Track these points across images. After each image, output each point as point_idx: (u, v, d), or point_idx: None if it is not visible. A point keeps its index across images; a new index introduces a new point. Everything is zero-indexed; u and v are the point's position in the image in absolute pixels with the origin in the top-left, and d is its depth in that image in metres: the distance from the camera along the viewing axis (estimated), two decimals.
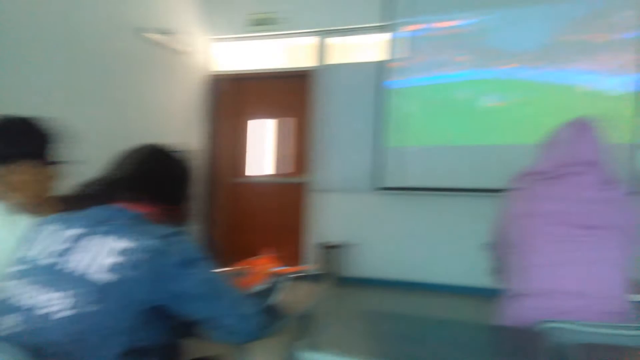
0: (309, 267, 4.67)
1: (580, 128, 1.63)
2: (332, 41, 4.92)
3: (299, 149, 5.03)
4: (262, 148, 5.23)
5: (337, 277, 4.64)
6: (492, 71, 4.27)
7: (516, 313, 1.46)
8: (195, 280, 1.02)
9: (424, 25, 4.45)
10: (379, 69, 4.60)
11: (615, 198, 1.48)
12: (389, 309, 3.88)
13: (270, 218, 5.14)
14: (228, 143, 5.30)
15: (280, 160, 5.14)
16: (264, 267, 1.56)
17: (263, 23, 5.03)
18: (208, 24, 5.21)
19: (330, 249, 4.65)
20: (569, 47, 4.07)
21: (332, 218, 4.85)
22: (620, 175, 1.69)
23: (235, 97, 5.30)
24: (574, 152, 1.57)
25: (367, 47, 4.81)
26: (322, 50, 4.91)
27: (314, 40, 4.95)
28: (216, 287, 1.05)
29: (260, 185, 5.22)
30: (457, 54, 4.35)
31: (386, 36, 4.55)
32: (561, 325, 1.25)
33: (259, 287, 1.32)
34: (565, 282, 1.41)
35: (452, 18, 4.38)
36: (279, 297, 1.26)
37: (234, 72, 5.29)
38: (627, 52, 3.92)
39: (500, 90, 4.26)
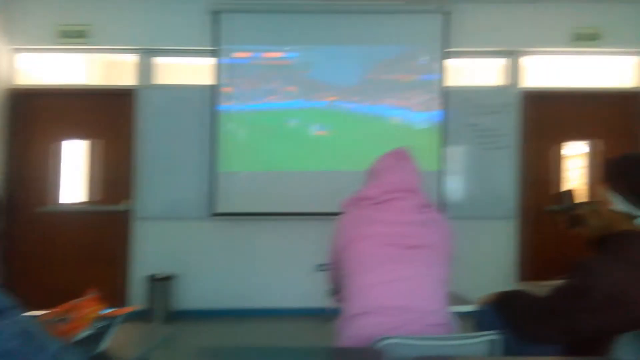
0: (137, 305, 4.29)
1: (400, 157, 1.81)
2: (159, 60, 4.71)
3: (119, 174, 4.63)
4: (77, 172, 4.68)
5: (168, 312, 4.35)
6: (316, 102, 4.55)
7: (354, 332, 1.53)
8: (5, 333, 0.84)
9: (251, 54, 4.55)
10: (210, 92, 4.53)
11: (433, 220, 1.67)
12: (227, 342, 3.76)
13: (88, 251, 4.59)
14: (35, 167, 4.62)
15: (98, 186, 4.66)
16: (87, 311, 1.37)
17: (74, 35, 4.57)
18: (8, 32, 4.54)
19: (159, 282, 4.35)
20: (382, 84, 4.56)
21: (160, 248, 4.55)
22: (432, 199, 1.93)
23: (45, 115, 4.67)
24: (396, 180, 1.73)
25: (198, 70, 4.71)
26: (145, 69, 4.65)
27: (135, 57, 4.66)
28: (32, 339, 0.88)
29: (76, 214, 4.64)
30: (283, 84, 4.54)
31: (215, 60, 4.53)
32: (395, 340, 1.35)
33: (83, 334, 1.15)
34: (395, 298, 1.53)
35: (278, 49, 4.56)
36: (107, 344, 1.12)
37: (43, 87, 4.68)
38: (430, 92, 4.56)
39: (324, 120, 4.55)
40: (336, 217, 1.88)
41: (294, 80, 4.55)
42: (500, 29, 4.66)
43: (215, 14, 4.52)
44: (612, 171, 1.59)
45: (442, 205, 4.45)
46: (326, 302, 1.97)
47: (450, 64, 4.64)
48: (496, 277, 4.48)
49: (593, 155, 4.74)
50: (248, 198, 4.50)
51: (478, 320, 1.87)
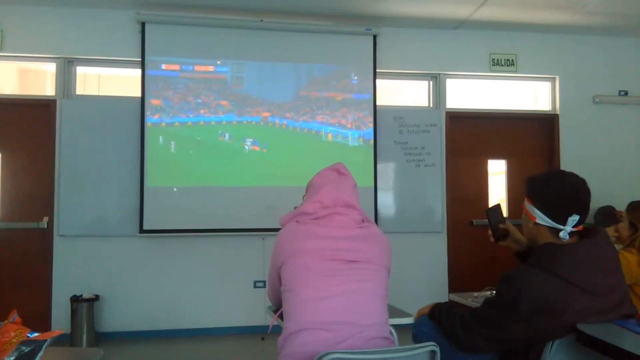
0: (61, 329, 3.98)
1: (339, 173, 1.84)
2: (82, 70, 4.49)
3: (38, 189, 4.32)
4: None
5: (94, 334, 4.08)
6: (249, 117, 4.52)
7: (295, 349, 1.51)
8: None
9: (181, 67, 4.44)
10: (138, 105, 4.37)
11: (372, 234, 1.71)
12: None
13: (6, 272, 4.22)
14: None
15: (15, 202, 4.32)
16: (8, 336, 1.26)
17: None
18: None
19: (83, 303, 4.07)
20: (316, 101, 4.63)
21: (84, 267, 4.27)
22: (368, 214, 1.97)
23: None
24: (336, 195, 1.75)
25: (126, 81, 4.53)
26: (67, 78, 4.40)
27: (55, 66, 4.40)
28: None
29: None
30: (215, 98, 4.47)
31: (146, 72, 4.38)
32: (336, 355, 1.35)
33: None
34: (339, 313, 1.53)
35: (209, 63, 4.49)
36: None
37: None
38: (362, 110, 4.69)
39: (257, 135, 4.53)
40: (273, 232, 1.86)
41: (226, 94, 4.50)
42: (425, 52, 4.91)
43: (144, 24, 4.38)
44: (531, 187, 1.70)
45: (375, 220, 4.57)
46: (265, 320, 1.94)
47: (381, 84, 4.81)
48: (430, 289, 4.66)
49: (514, 173, 5.08)
50: (179, 214, 4.35)
51: (416, 332, 1.93)
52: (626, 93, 5.19)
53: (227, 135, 4.49)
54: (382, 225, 4.62)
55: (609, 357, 1.37)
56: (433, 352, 1.40)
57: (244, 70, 4.55)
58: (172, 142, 4.39)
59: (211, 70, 4.50)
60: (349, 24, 4.65)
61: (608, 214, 4.35)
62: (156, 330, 4.34)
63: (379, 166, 4.68)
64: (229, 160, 4.48)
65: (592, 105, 5.15)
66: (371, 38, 4.69)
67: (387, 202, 4.77)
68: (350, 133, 4.67)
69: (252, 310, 4.33)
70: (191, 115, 4.43)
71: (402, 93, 5.08)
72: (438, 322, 1.76)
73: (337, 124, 4.65)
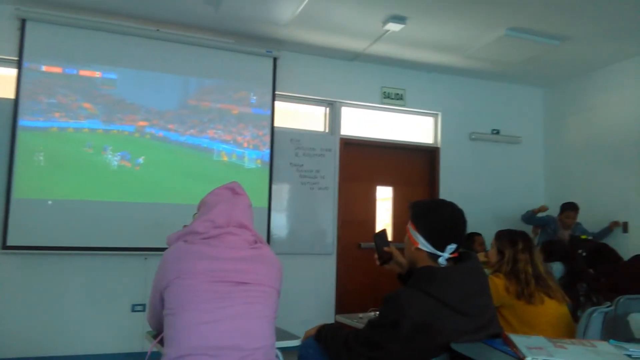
0: None
1: (234, 192, 1.80)
2: None
3: None
4: None
5: None
6: (130, 127, 4.22)
7: None
8: None
9: (61, 69, 4.09)
10: (9, 107, 3.94)
11: (264, 256, 1.69)
12: None
13: None
14: None
15: None
16: None
17: None
18: None
19: None
20: (207, 112, 4.48)
21: None
22: (261, 235, 1.96)
23: None
24: (228, 214, 1.71)
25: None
26: None
27: None
28: None
29: None
30: (94, 104, 4.13)
31: (22, 72, 3.98)
32: None
33: None
34: (225, 337, 1.48)
35: (90, 68, 4.17)
36: None
37: None
38: (259, 130, 4.67)
39: (139, 148, 4.24)
40: (158, 252, 1.76)
41: (105, 101, 4.17)
42: (323, 79, 5.07)
43: (24, 21, 4.00)
44: (415, 214, 1.80)
45: (268, 241, 4.55)
46: (143, 346, 1.81)
47: (279, 105, 4.86)
48: (318, 310, 4.71)
49: (399, 200, 5.38)
50: (53, 230, 3.95)
51: (302, 354, 1.93)
52: (498, 132, 5.79)
53: (104, 145, 4.12)
54: (275, 246, 4.61)
55: None
56: None
57: (129, 78, 4.25)
58: (44, 150, 3.98)
59: (93, 76, 4.16)
60: (250, 44, 4.65)
61: (468, 240, 4.78)
62: (24, 357, 3.85)
63: (274, 187, 4.68)
64: (106, 173, 4.14)
65: (469, 141, 5.66)
66: (271, 60, 4.74)
67: (280, 223, 4.78)
68: (247, 153, 4.61)
69: (129, 335, 4.04)
70: (70, 121, 4.07)
71: (299, 117, 5.16)
72: (324, 344, 1.77)
73: (232, 142, 4.55)
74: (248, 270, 1.61)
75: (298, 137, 4.91)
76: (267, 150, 4.66)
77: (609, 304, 2.78)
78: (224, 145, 4.52)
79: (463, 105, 5.64)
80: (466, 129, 5.66)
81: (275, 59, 4.75)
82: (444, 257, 1.68)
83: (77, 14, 4.12)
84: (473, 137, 5.66)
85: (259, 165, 4.64)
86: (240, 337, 1.52)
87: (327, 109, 5.18)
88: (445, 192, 5.41)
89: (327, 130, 5.17)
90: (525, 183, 5.87)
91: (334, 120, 5.14)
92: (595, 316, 2.54)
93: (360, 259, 5.08)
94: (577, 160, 5.53)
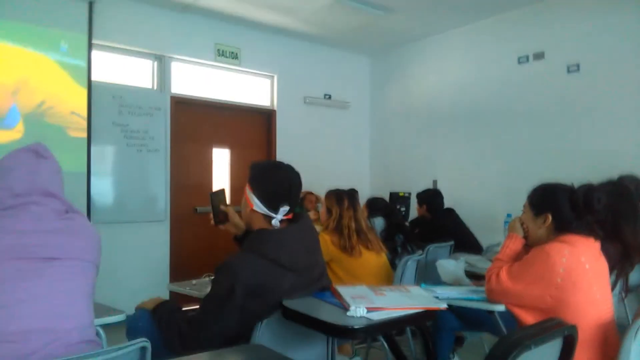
0: None
1: (38, 155, 1.54)
2: None
3: None
4: None
5: None
6: None
7: None
8: None
9: None
10: None
11: (77, 227, 1.48)
12: None
13: None
14: None
15: None
16: None
17: None
18: None
19: None
20: None
21: None
22: (77, 203, 1.73)
23: None
24: (31, 181, 1.46)
25: None
26: None
27: None
28: None
29: None
30: None
31: None
32: None
33: None
34: (30, 320, 1.28)
35: None
36: None
37: None
38: (74, 83, 4.12)
39: None
40: None
41: None
42: (149, 30, 4.63)
43: None
44: (252, 176, 1.79)
45: (88, 210, 4.11)
46: None
47: (98, 57, 4.34)
48: (150, 280, 4.44)
49: (237, 162, 5.30)
50: None
51: (131, 327, 1.81)
52: (330, 97, 6.03)
53: None
54: (98, 215, 4.20)
55: (309, 327, 1.53)
56: (143, 349, 1.30)
57: None
58: None
59: None
60: None
61: (301, 199, 5.00)
62: None
63: (93, 149, 4.21)
64: None
65: (303, 105, 5.80)
66: (86, 4, 4.16)
67: (103, 189, 4.34)
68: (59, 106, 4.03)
69: None
70: None
71: (125, 71, 4.66)
72: (158, 327, 1.69)
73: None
74: (57, 244, 1.40)
75: (121, 94, 4.45)
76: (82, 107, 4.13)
77: (420, 252, 3.15)
78: None
79: (298, 69, 5.73)
80: (301, 93, 5.77)
81: (91, 3, 4.18)
82: (277, 219, 1.71)
83: None
84: (307, 101, 5.81)
85: (72, 121, 4.09)
86: (49, 319, 1.32)
87: (155, 63, 4.79)
88: (282, 154, 5.50)
89: (155, 87, 4.79)
90: (354, 146, 6.27)
91: (164, 76, 4.77)
92: (410, 264, 2.85)
93: (196, 224, 4.93)
94: (398, 126, 6.07)
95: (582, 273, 1.70)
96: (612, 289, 2.63)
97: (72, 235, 1.45)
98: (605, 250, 1.84)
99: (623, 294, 3.09)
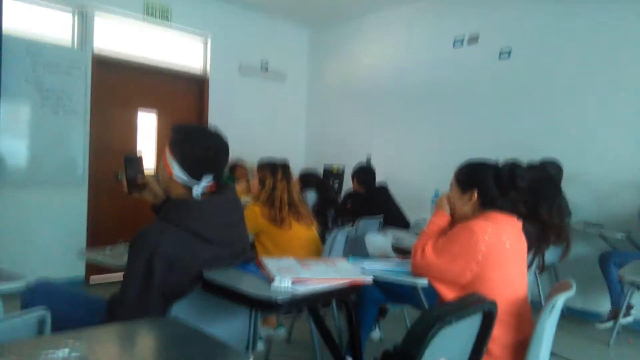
0: None
1: None
2: None
3: None
4: None
5: None
6: None
7: None
8: None
9: None
10: None
11: None
12: None
13: None
14: None
15: None
16: None
17: None
18: None
19: None
20: None
21: None
22: None
23: None
24: None
25: None
26: None
27: None
28: None
29: None
30: None
31: None
32: None
33: None
34: None
35: None
36: None
37: None
38: None
39: None
40: None
41: None
42: None
43: None
44: (174, 139, 1.64)
45: None
46: None
47: (10, 5, 3.91)
48: (66, 246, 4.17)
49: (165, 127, 5.02)
50: None
51: (25, 300, 1.65)
52: (267, 67, 5.86)
53: None
54: (8, 176, 3.86)
55: (231, 300, 1.45)
56: (42, 319, 1.17)
57: None
58: None
59: None
60: None
61: (231, 170, 4.89)
62: None
63: (3, 107, 3.82)
64: None
65: (238, 74, 5.60)
66: None
67: (14, 149, 3.97)
68: None
69: None
70: None
71: (40, 24, 4.23)
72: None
73: None
74: None
75: (37, 49, 4.04)
76: None
77: (351, 226, 3.16)
78: None
79: (234, 34, 5.50)
80: (236, 60, 5.56)
81: None
82: (199, 188, 1.59)
83: None
84: (242, 70, 5.61)
85: None
86: None
87: (76, 16, 4.38)
88: (214, 121, 5.29)
89: (75, 44, 4.39)
90: (290, 118, 6.17)
91: (84, 32, 4.37)
92: (339, 237, 2.84)
93: (117, 190, 4.62)
94: (334, 101, 6.04)
95: (502, 251, 1.75)
96: (529, 267, 2.78)
97: None
98: (525, 229, 1.90)
99: (537, 272, 3.28)
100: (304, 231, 2.81)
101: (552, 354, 1.77)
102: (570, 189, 3.72)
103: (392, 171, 5.10)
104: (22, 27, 4.04)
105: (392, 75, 5.41)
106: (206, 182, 1.60)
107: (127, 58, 4.73)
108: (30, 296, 1.61)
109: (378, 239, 2.43)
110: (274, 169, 2.89)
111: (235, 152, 5.31)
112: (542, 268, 3.10)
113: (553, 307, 1.50)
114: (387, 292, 2.45)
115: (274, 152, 4.21)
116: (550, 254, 3.22)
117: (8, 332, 1.11)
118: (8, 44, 3.82)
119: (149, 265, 1.44)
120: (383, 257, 2.35)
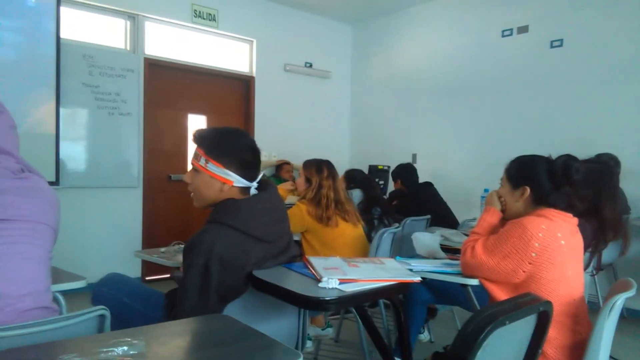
0: None
1: None
2: None
3: None
4: None
5: None
6: None
7: None
8: None
9: None
10: None
11: (32, 187, 1.37)
12: None
13: None
14: None
15: None
16: None
17: None
18: None
19: None
20: None
21: None
22: (46, 166, 1.61)
23: None
24: None
25: None
26: None
27: None
28: None
29: None
30: None
31: None
32: None
33: None
34: None
35: None
36: None
37: None
38: (42, 41, 3.90)
39: None
40: None
41: None
42: None
43: None
44: (217, 151, 1.60)
45: (57, 173, 3.96)
46: None
47: (68, 14, 4.12)
48: (122, 247, 4.35)
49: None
50: None
51: (96, 292, 1.79)
52: (311, 65, 5.89)
53: None
54: (68, 180, 4.06)
55: (280, 299, 1.47)
56: (102, 317, 1.23)
57: None
58: None
59: None
60: None
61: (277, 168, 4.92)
62: None
63: (62, 111, 4.03)
64: None
65: (283, 72, 5.65)
66: None
67: (73, 153, 4.17)
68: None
69: None
70: None
71: (95, 30, 4.43)
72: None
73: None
74: (10, 204, 1.29)
75: (92, 54, 4.24)
76: (52, 67, 3.94)
77: (397, 225, 3.12)
78: None
79: (278, 35, 5.56)
80: (281, 60, 5.62)
81: None
82: (254, 186, 1.63)
83: None
84: (287, 68, 5.66)
85: (41, 83, 3.89)
86: (2, 283, 1.23)
87: (128, 22, 4.57)
88: (261, 122, 5.38)
89: (128, 48, 4.58)
90: (334, 117, 6.17)
91: (137, 36, 4.56)
92: (386, 236, 2.82)
93: (170, 191, 4.81)
94: (379, 98, 5.99)
95: (557, 249, 1.68)
96: (586, 267, 2.66)
97: (27, 195, 1.34)
98: (581, 226, 1.82)
99: (594, 271, 3.13)
100: (350, 229, 2.81)
101: (611, 357, 1.69)
102: (628, 184, 3.54)
103: (438, 168, 5.01)
104: (78, 33, 4.24)
105: (438, 68, 5.31)
106: (258, 179, 1.63)
107: (176, 61, 4.87)
108: (99, 291, 1.71)
109: (426, 238, 2.38)
110: (319, 167, 2.90)
111: (281, 152, 5.46)
112: (598, 268, 2.96)
113: (612, 307, 1.42)
114: (435, 292, 2.40)
115: (318, 151, 4.23)
116: (608, 252, 3.06)
117: (69, 329, 1.17)
118: (66, 50, 4.02)
119: (205, 270, 1.47)
120: (431, 256, 2.31)
